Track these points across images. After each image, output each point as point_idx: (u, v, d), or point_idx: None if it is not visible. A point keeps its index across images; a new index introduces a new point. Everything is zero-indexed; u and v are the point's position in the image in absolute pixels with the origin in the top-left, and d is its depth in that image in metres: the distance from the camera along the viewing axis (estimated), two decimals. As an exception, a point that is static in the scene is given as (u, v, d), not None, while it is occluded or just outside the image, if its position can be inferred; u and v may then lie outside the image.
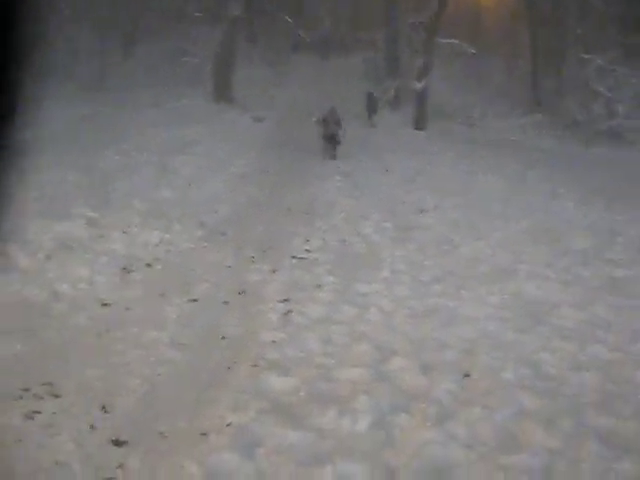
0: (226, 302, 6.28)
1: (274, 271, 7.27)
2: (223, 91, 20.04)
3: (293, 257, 7.86)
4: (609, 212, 11.26)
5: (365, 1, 27.90)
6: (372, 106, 20.69)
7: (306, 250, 8.20)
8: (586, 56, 20.00)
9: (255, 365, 4.86)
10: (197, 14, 19.52)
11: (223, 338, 5.38)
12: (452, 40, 20.69)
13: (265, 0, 24.47)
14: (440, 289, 6.90)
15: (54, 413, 4.05)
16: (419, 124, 20.23)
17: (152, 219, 9.02)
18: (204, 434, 3.92)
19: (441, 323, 5.88)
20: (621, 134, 19.47)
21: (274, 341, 5.30)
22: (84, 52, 23.22)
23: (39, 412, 4.03)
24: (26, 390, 4.24)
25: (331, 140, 15.44)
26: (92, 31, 23.63)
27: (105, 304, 6.07)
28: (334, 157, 15.22)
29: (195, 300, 6.30)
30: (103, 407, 4.16)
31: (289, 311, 5.99)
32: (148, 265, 7.29)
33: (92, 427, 3.94)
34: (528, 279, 7.33)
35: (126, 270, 7.04)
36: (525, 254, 8.47)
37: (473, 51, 21.15)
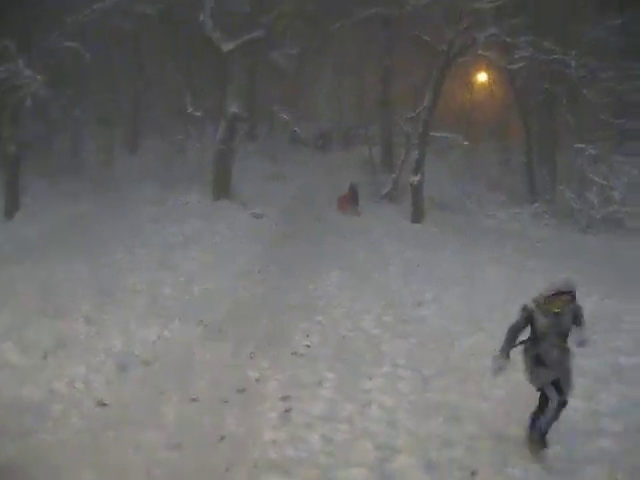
0: (225, 401, 6.18)
1: (274, 368, 7.17)
2: (223, 187, 20.31)
3: (293, 353, 7.78)
4: (610, 301, 11.19)
5: (362, 97, 28.59)
6: (355, 197, 21.24)
7: (306, 346, 8.12)
8: (579, 145, 20.37)
9: (255, 466, 4.74)
10: (197, 113, 19.91)
11: (222, 438, 5.27)
12: (446, 134, 21.08)
13: (264, 97, 25.09)
14: (442, 384, 6.81)
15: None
16: (416, 216, 20.39)
17: (152, 316, 8.99)
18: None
19: (445, 419, 5.77)
20: (618, 221, 19.66)
21: (274, 440, 5.20)
22: (91, 148, 23.75)
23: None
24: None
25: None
26: (98, 127, 24.23)
27: (102, 404, 5.98)
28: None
29: (194, 399, 6.20)
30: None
31: (289, 409, 5.90)
32: (146, 363, 7.22)
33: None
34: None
35: (124, 368, 6.96)
36: (527, 346, 8.36)
37: (466, 143, 21.50)
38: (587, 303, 10.74)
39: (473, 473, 4.70)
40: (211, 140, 21.54)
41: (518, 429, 5.50)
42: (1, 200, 17.10)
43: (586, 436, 5.46)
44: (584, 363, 7.52)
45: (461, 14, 18.06)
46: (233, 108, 20.18)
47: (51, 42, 17.28)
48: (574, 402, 6.20)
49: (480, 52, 19.36)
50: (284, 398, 6.18)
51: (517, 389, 6.55)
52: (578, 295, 11.15)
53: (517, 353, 7.83)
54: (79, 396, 6.07)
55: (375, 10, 19.44)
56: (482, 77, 27.10)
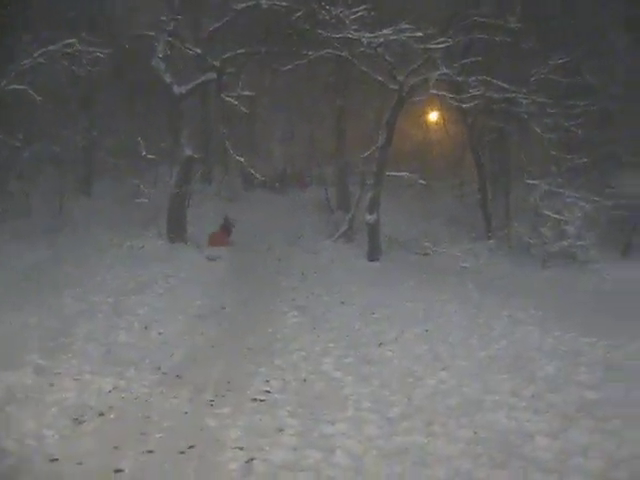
0: (182, 452, 5.93)
1: (234, 416, 6.93)
2: (178, 231, 20.08)
3: (253, 399, 7.54)
4: (570, 335, 11.20)
5: (316, 138, 28.73)
6: (228, 229, 21.94)
7: (266, 391, 7.89)
8: (532, 181, 20.66)
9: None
10: (150, 156, 19.72)
11: (181, 494, 5.02)
12: (401, 173, 21.19)
13: (218, 140, 25.02)
14: (408, 426, 6.65)
15: None
16: (373, 255, 20.37)
17: (106, 365, 8.70)
18: None
19: (413, 463, 5.61)
20: (573, 255, 19.88)
21: (236, 494, 4.96)
22: (43, 190, 23.28)
23: None
24: None
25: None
26: (49, 169, 23.81)
27: (54, 459, 5.69)
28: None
29: (150, 451, 5.93)
30: None
31: (251, 459, 5.67)
32: (101, 414, 6.92)
33: None
34: (497, 409, 7.14)
35: (77, 421, 6.67)
36: (491, 383, 8.28)
37: (422, 182, 21.66)
38: (549, 338, 10.89)
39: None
40: (166, 183, 21.37)
41: (487, 471, 5.37)
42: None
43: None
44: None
45: (412, 55, 18.37)
46: (187, 151, 20.08)
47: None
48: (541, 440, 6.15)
49: (432, 91, 19.62)
50: (245, 448, 5.95)
51: (484, 429, 6.46)
52: (539, 330, 11.26)
53: (487, 393, 7.80)
54: (30, 453, 5.75)
55: (327, 51, 19.58)
56: (434, 116, 27.54)
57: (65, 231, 20.69)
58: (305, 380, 8.51)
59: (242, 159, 20.51)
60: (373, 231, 20.49)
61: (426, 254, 21.39)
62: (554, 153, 19.22)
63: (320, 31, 18.05)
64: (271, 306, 13.70)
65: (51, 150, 22.39)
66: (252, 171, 22.05)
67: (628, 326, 11.32)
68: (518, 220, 21.73)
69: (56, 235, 20.08)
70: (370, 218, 20.38)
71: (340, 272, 18.18)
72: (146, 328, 11.17)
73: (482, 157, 23.65)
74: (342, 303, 14.14)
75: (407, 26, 17.13)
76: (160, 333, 10.94)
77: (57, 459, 5.69)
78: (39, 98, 17.68)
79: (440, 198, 26.58)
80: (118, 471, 5.47)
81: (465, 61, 19.36)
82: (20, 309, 11.58)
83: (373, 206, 20.38)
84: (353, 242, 22.34)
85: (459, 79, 18.59)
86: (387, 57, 18.28)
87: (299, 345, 10.43)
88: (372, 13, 17.62)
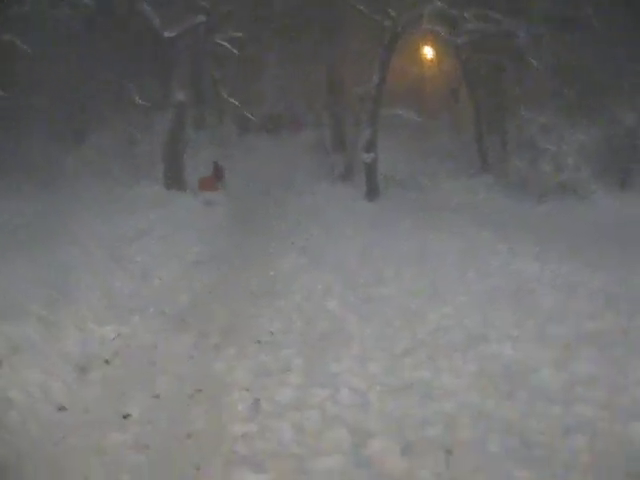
0: (190, 396, 5.96)
1: (239, 358, 6.95)
2: (174, 177, 19.92)
3: (258, 341, 7.56)
4: (568, 266, 11.20)
5: (310, 77, 28.31)
6: (219, 175, 21.42)
7: (270, 333, 7.91)
8: (529, 115, 20.44)
9: (226, 463, 4.53)
10: (142, 102, 19.43)
11: (189, 436, 5.04)
12: (396, 110, 20.96)
13: (211, 83, 24.68)
14: (413, 361, 6.67)
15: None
16: (371, 195, 20.29)
17: (109, 312, 8.69)
18: None
19: (419, 398, 5.63)
20: (571, 187, 19.78)
21: (244, 434, 4.99)
22: (34, 143, 22.98)
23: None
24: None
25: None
26: (40, 120, 23.46)
27: (61, 408, 5.70)
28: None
29: (157, 396, 5.96)
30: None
31: (257, 399, 5.69)
32: (106, 362, 6.94)
33: None
34: (501, 342, 7.15)
35: (83, 370, 6.67)
36: (493, 316, 8.28)
37: (418, 119, 21.44)
38: (548, 270, 10.90)
39: (450, 452, 4.56)
40: (159, 130, 21.14)
41: (495, 404, 5.40)
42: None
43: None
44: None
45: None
46: (180, 96, 19.82)
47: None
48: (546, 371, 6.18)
49: (426, 26, 19.25)
50: (251, 389, 5.97)
51: (490, 363, 6.48)
52: (538, 263, 11.27)
53: (490, 326, 7.82)
54: (37, 402, 5.76)
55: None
56: (429, 52, 27.07)
57: (59, 183, 20.50)
58: (308, 321, 8.51)
59: (236, 102, 20.22)
60: (370, 170, 20.38)
61: (423, 191, 21.30)
62: (551, 84, 18.96)
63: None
64: (270, 249, 13.67)
65: (41, 102, 22.02)
66: (249, 115, 21.75)
67: (627, 258, 11.31)
68: (515, 154, 21.52)
69: (50, 188, 19.90)
70: (367, 157, 20.24)
71: (338, 213, 18.09)
72: (146, 275, 11.15)
73: (477, 92, 23.34)
74: (341, 243, 14.10)
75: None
76: (160, 279, 10.93)
77: (64, 408, 5.70)
78: (26, 48, 17.32)
79: (436, 135, 26.28)
80: (126, 416, 5.50)
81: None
82: (14, 262, 11.47)
83: (370, 145, 20.22)
84: (350, 182, 22.21)
85: (454, 12, 18.22)
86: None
87: (300, 286, 10.41)
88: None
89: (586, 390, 5.65)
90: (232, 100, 20.20)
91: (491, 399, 5.52)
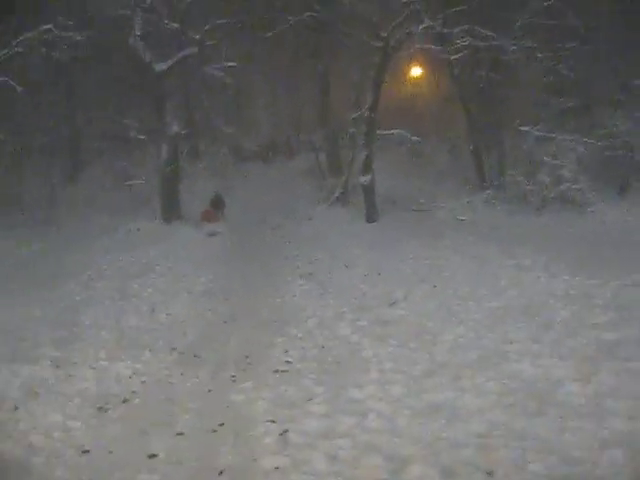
0: (214, 430, 5.86)
1: (259, 389, 6.86)
2: (172, 210, 19.94)
3: (275, 371, 7.48)
4: (577, 278, 11.15)
5: (304, 103, 28.45)
6: (219, 206, 21.28)
7: (287, 362, 7.82)
8: (524, 128, 20.51)
9: (262, 498, 4.45)
10: (138, 136, 19.50)
11: (221, 473, 4.95)
12: (392, 130, 21.04)
13: (204, 114, 24.76)
14: (434, 383, 6.60)
15: None
16: (371, 217, 20.32)
17: (121, 349, 8.61)
18: None
19: (447, 419, 5.55)
20: (570, 199, 19.81)
21: (277, 467, 4.90)
22: (29, 181, 22.99)
23: None
24: None
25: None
26: (35, 159, 23.47)
27: (85, 451, 5.61)
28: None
29: (181, 433, 5.86)
30: None
31: (285, 431, 5.60)
32: (125, 401, 6.84)
33: None
34: (521, 358, 7.08)
35: (102, 409, 6.58)
36: (509, 332, 8.23)
37: (415, 138, 21.52)
38: (558, 283, 10.84)
39: (491, 474, 4.48)
40: (154, 163, 21.17)
41: (526, 422, 5.32)
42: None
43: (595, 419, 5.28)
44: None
45: (394, 9, 18.14)
46: (174, 127, 19.86)
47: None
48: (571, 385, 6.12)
49: (417, 45, 19.40)
50: (276, 420, 5.88)
51: (512, 381, 6.41)
52: (547, 275, 11.20)
53: (508, 343, 7.75)
54: (60, 446, 5.66)
55: (308, 14, 19.28)
56: (418, 71, 27.19)
57: (57, 221, 20.50)
58: (323, 346, 8.44)
59: (230, 130, 20.32)
60: (369, 192, 20.42)
61: (423, 210, 21.30)
62: (544, 97, 19.07)
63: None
64: (276, 276, 13.63)
65: (36, 140, 22.07)
66: (241, 142, 21.83)
67: (635, 266, 11.24)
68: (513, 169, 21.59)
69: (48, 226, 19.89)
70: (365, 179, 20.29)
71: (339, 236, 18.10)
72: (154, 310, 11.08)
73: (471, 108, 23.43)
74: (346, 266, 14.08)
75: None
76: (169, 314, 10.84)
77: (88, 450, 5.61)
78: (19, 88, 17.36)
79: (432, 154, 26.41)
80: (152, 456, 5.40)
81: (448, 12, 19.07)
82: (21, 302, 11.44)
83: (367, 167, 20.28)
84: (348, 205, 22.25)
85: (444, 30, 18.36)
86: (370, 15, 18.04)
87: (311, 312, 10.36)
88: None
89: (615, 402, 5.58)
90: (226, 129, 20.21)
91: (520, 417, 5.45)
